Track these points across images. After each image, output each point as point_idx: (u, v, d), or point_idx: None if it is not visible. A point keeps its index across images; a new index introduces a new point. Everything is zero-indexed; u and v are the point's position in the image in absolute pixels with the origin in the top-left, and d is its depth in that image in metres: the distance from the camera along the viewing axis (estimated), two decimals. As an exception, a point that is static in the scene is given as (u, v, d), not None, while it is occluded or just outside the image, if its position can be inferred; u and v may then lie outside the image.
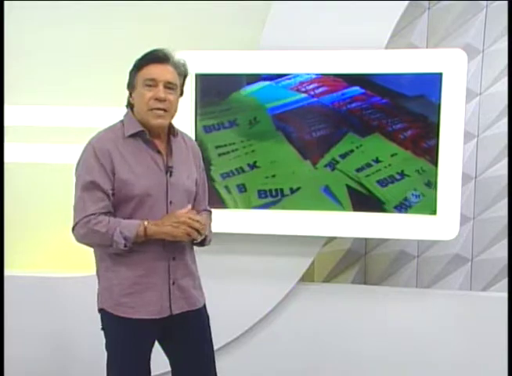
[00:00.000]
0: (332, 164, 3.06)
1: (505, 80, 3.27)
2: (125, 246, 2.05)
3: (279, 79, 3.05)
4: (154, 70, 2.10)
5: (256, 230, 3.14)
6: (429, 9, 3.38)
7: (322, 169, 3.07)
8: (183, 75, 2.18)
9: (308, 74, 3.04)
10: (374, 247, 3.54)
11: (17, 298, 3.30)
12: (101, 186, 2.08)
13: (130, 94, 2.18)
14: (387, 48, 3.09)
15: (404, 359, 3.24)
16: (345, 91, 3.03)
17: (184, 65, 2.18)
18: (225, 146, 3.10)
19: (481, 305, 3.23)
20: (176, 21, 3.34)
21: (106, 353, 2.20)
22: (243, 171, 3.10)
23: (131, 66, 2.17)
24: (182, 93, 2.21)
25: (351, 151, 3.05)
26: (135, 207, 2.11)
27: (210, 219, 2.34)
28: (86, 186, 2.09)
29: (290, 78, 3.05)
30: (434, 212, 3.02)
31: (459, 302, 3.25)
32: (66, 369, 3.39)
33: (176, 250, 2.17)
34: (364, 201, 3.07)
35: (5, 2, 3.23)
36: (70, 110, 3.49)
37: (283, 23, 3.12)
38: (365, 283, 3.57)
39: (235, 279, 3.22)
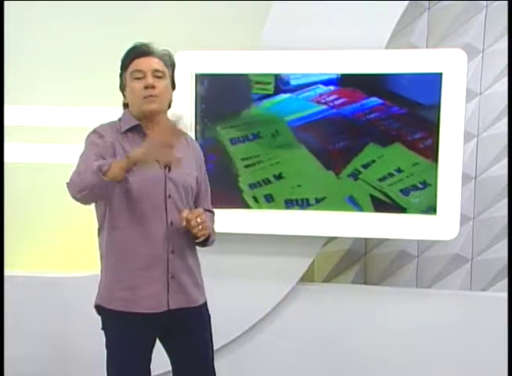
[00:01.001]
0: (355, 174, 3.08)
1: (505, 80, 3.27)
2: (100, 170, 1.94)
3: (299, 91, 3.07)
4: (140, 63, 2.13)
5: (256, 230, 3.15)
6: (429, 9, 3.38)
7: (346, 179, 3.09)
8: (170, 65, 2.19)
9: (326, 86, 3.06)
10: (374, 247, 3.54)
11: (17, 298, 3.30)
12: (104, 147, 2.09)
13: (123, 95, 2.21)
14: (387, 48, 3.09)
15: (404, 358, 3.24)
16: (364, 102, 3.04)
17: (169, 55, 2.20)
18: (251, 158, 3.14)
19: (481, 305, 3.23)
20: (176, 21, 3.34)
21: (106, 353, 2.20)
22: (270, 181, 3.14)
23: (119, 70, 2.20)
24: (174, 86, 2.22)
25: (373, 161, 3.06)
26: (135, 201, 2.11)
27: (213, 220, 2.34)
28: (87, 150, 2.11)
29: (309, 90, 3.07)
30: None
31: (459, 302, 3.25)
32: (67, 369, 3.39)
33: (175, 244, 2.16)
34: (389, 211, 3.08)
35: (5, 2, 3.23)
36: (70, 110, 3.49)
37: (283, 23, 3.12)
38: (365, 283, 3.58)
39: (235, 279, 3.23)
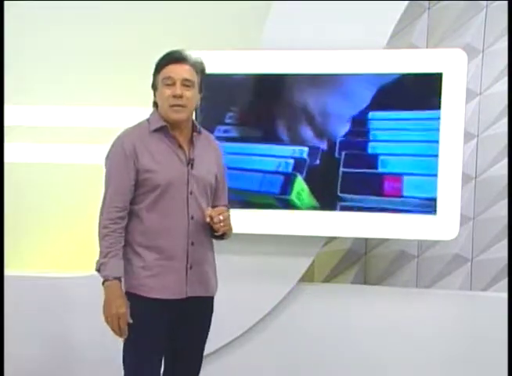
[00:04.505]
0: None
1: (505, 80, 3.27)
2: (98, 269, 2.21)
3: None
4: (172, 70, 2.24)
5: (256, 230, 3.15)
6: (429, 9, 3.38)
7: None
8: (201, 73, 2.31)
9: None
10: (374, 247, 3.54)
11: (17, 298, 3.30)
12: (124, 180, 2.23)
13: (154, 94, 2.31)
14: (387, 48, 3.09)
15: (404, 358, 3.24)
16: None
17: (201, 63, 2.31)
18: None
19: (481, 305, 3.23)
20: (176, 21, 3.34)
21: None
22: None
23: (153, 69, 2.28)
24: (201, 90, 2.33)
25: None
26: (158, 197, 2.24)
27: (229, 215, 2.42)
28: (111, 182, 2.25)
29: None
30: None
31: (459, 302, 3.25)
32: (67, 368, 3.39)
33: (195, 237, 2.30)
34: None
35: (5, 2, 3.23)
36: (70, 110, 3.49)
37: (283, 23, 3.12)
38: (365, 283, 3.57)
39: (235, 279, 3.22)
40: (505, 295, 2.85)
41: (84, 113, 3.46)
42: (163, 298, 2.25)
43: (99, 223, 2.24)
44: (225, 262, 3.17)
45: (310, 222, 3.11)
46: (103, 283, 2.19)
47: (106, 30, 3.38)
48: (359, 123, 3.06)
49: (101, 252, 2.21)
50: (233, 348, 3.31)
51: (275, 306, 3.28)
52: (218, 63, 3.09)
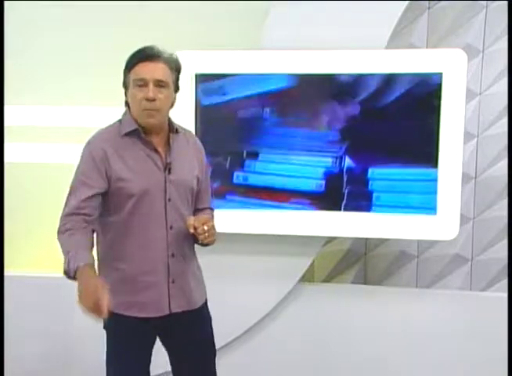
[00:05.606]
0: None
1: (505, 80, 3.27)
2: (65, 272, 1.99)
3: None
4: (144, 69, 2.07)
5: (256, 230, 3.15)
6: (429, 8, 3.39)
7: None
8: (176, 70, 2.15)
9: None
10: (374, 247, 3.55)
11: (17, 298, 3.30)
12: (91, 185, 2.06)
13: (125, 93, 2.16)
14: (387, 48, 3.09)
15: (404, 359, 3.25)
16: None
17: (176, 60, 2.15)
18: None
19: (481, 305, 3.23)
20: (176, 21, 3.34)
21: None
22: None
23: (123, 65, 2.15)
24: (177, 89, 2.18)
25: None
26: (134, 205, 2.09)
27: (213, 216, 2.32)
28: (76, 186, 2.09)
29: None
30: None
31: (459, 302, 3.25)
32: (67, 369, 3.39)
33: (175, 247, 2.15)
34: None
35: (5, 2, 3.23)
36: (70, 110, 3.49)
37: (283, 23, 3.12)
38: (365, 283, 3.58)
39: (235, 279, 3.23)
40: (505, 295, 2.85)
41: (84, 113, 3.46)
42: (144, 316, 2.12)
43: (58, 231, 2.04)
44: (224, 262, 3.19)
45: (310, 222, 3.11)
46: (75, 277, 1.93)
47: (107, 30, 3.38)
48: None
49: (64, 254, 1.98)
50: (233, 348, 3.31)
51: (275, 306, 3.28)
52: (218, 63, 3.10)
